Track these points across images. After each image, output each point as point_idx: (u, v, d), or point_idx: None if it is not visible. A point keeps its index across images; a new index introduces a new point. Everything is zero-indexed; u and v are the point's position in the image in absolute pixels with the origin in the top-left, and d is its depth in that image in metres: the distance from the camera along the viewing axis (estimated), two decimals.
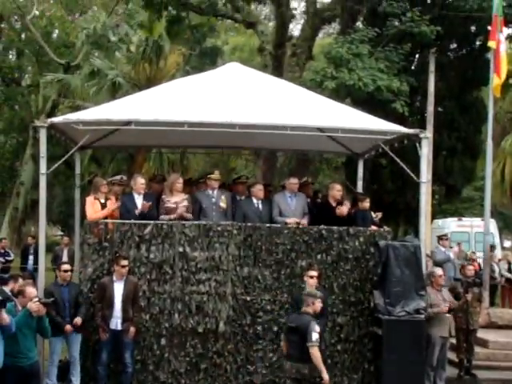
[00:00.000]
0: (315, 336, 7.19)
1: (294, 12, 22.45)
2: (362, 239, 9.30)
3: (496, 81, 13.34)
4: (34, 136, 21.98)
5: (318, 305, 7.53)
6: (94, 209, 9.20)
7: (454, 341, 10.93)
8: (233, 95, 9.49)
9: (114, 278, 8.67)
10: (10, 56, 31.31)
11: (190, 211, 9.33)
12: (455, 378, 10.72)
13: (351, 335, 9.25)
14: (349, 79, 14.89)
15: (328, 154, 18.29)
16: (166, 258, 8.93)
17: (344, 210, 9.58)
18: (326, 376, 7.22)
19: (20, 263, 16.40)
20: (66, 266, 8.89)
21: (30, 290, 7.27)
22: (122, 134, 10.24)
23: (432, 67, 15.60)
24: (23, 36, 29.65)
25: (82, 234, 9.33)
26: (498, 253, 19.50)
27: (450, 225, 21.73)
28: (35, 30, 26.60)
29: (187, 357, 8.91)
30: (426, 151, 9.52)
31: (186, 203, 9.32)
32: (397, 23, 15.75)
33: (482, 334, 11.89)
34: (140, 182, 9.42)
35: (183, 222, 9.03)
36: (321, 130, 9.93)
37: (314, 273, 8.52)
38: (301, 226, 9.28)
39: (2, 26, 29.14)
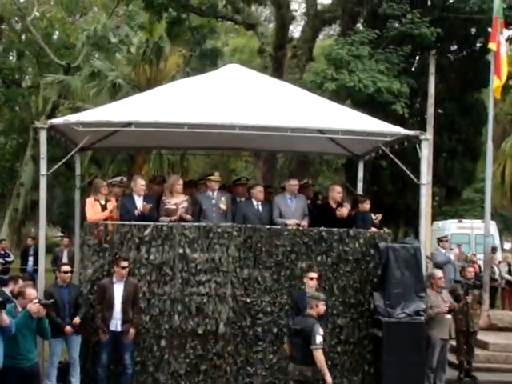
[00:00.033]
0: (319, 339, 7.18)
1: (294, 13, 22.43)
2: (362, 241, 9.31)
3: (496, 82, 13.34)
4: (34, 137, 22.02)
5: (322, 307, 7.52)
6: (94, 210, 9.19)
7: (454, 343, 10.92)
8: (233, 97, 9.49)
9: (114, 279, 8.66)
10: (11, 57, 31.28)
11: (190, 213, 9.33)
12: (455, 380, 10.68)
13: (351, 337, 9.25)
14: (349, 81, 14.87)
15: (328, 155, 18.32)
16: (165, 259, 8.92)
17: (344, 211, 9.58)
18: (329, 379, 7.21)
19: (20, 264, 16.36)
20: (66, 268, 8.91)
21: (30, 292, 7.27)
22: (122, 136, 10.25)
23: (432, 69, 15.59)
24: (24, 37, 29.62)
25: (81, 236, 9.32)
26: (499, 255, 19.47)
27: (451, 227, 21.71)
28: (36, 32, 26.61)
29: (187, 358, 8.89)
30: (426, 153, 9.53)
31: (185, 205, 9.31)
32: (397, 25, 15.70)
33: (482, 336, 11.86)
34: (140, 183, 9.42)
35: (183, 224, 9.02)
36: (321, 131, 9.92)
37: (314, 274, 8.52)
38: (301, 228, 9.28)
39: (3, 27, 29.11)
